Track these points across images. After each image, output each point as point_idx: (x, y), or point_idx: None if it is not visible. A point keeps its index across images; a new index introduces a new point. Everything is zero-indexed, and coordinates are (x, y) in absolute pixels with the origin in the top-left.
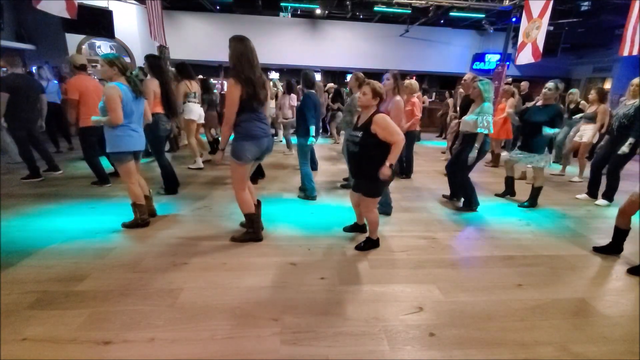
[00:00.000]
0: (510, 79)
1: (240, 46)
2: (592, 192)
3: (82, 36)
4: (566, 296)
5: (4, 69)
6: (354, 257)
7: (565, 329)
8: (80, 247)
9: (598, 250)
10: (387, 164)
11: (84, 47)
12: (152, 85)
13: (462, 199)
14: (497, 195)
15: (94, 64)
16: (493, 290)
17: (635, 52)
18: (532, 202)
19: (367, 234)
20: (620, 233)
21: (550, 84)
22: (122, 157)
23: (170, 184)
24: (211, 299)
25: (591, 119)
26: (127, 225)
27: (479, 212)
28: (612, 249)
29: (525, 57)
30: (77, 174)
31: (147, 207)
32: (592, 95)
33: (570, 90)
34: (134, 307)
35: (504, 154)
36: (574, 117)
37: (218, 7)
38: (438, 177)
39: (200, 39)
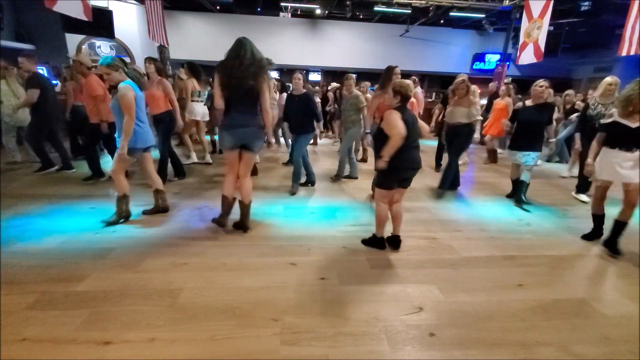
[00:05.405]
0: (510, 79)
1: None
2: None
3: (82, 36)
4: (567, 296)
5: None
6: (354, 257)
7: (566, 329)
8: (80, 247)
9: (585, 238)
10: (382, 157)
11: (84, 47)
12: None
13: (444, 181)
14: (508, 196)
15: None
16: (493, 290)
17: (633, 52)
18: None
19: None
20: (596, 219)
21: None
22: (131, 153)
23: (162, 172)
24: (211, 299)
25: None
26: (149, 212)
27: (478, 212)
28: (594, 236)
29: (527, 57)
30: (77, 173)
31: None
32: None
33: (566, 92)
34: (134, 307)
35: (501, 152)
36: (569, 117)
37: (218, 7)
38: (438, 177)
39: (201, 39)
